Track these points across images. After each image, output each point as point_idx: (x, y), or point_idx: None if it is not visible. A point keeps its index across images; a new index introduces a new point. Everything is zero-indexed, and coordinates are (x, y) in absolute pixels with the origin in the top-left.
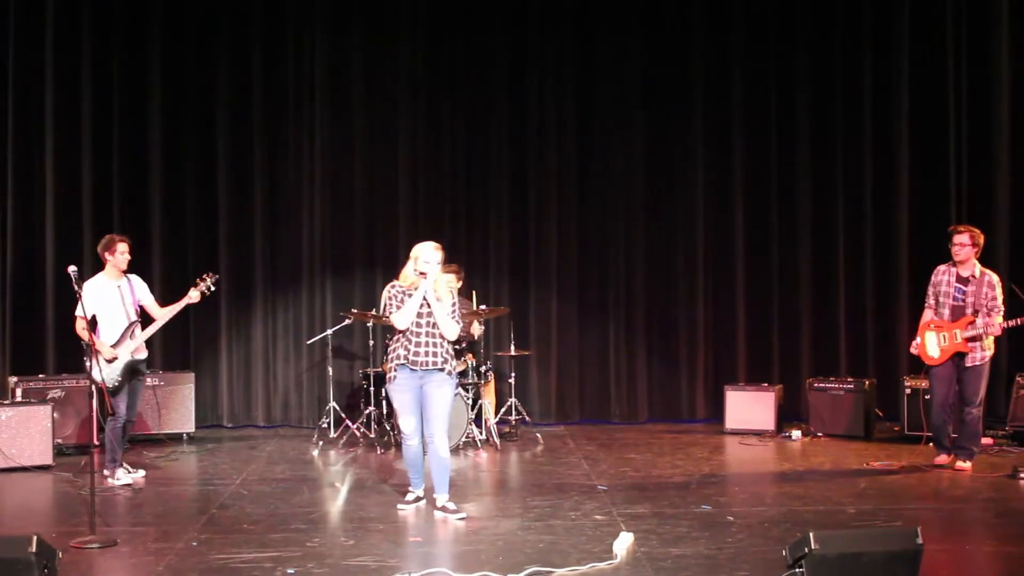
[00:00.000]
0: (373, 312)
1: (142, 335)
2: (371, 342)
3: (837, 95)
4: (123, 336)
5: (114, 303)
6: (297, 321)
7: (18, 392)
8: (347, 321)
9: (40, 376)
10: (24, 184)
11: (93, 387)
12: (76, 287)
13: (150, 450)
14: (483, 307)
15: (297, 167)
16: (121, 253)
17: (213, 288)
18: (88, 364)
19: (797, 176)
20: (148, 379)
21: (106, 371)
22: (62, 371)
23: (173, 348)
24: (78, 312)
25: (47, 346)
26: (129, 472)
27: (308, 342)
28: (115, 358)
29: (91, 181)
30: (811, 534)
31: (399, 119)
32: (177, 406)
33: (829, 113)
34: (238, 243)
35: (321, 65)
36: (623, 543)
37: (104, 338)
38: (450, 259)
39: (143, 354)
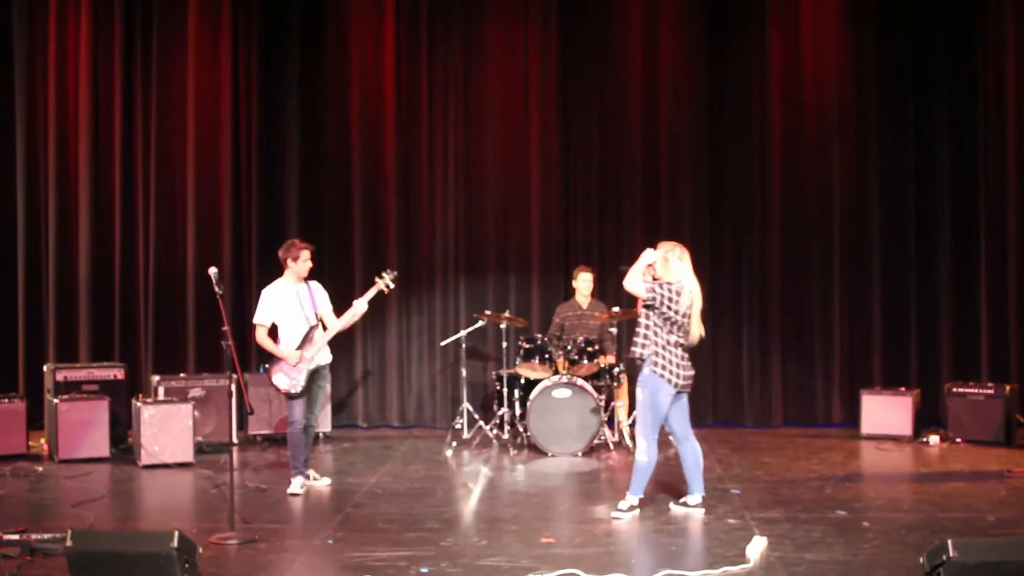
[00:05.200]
0: (507, 314)
1: (322, 339)
2: (504, 344)
3: (977, 95)
4: (304, 341)
5: (293, 308)
6: (431, 322)
7: (160, 391)
8: (481, 323)
9: (181, 375)
10: (165, 185)
11: (233, 386)
12: (217, 288)
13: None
14: (616, 308)
15: (431, 166)
16: (304, 260)
17: (392, 285)
18: (270, 371)
19: (936, 175)
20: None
21: (294, 376)
22: (202, 370)
23: None
24: (256, 320)
25: (188, 345)
26: (310, 480)
27: (442, 343)
28: (301, 360)
29: (229, 182)
30: (950, 541)
31: (532, 119)
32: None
33: (969, 113)
34: (373, 242)
35: (456, 63)
36: (756, 547)
37: (284, 344)
38: (584, 260)
39: (326, 359)
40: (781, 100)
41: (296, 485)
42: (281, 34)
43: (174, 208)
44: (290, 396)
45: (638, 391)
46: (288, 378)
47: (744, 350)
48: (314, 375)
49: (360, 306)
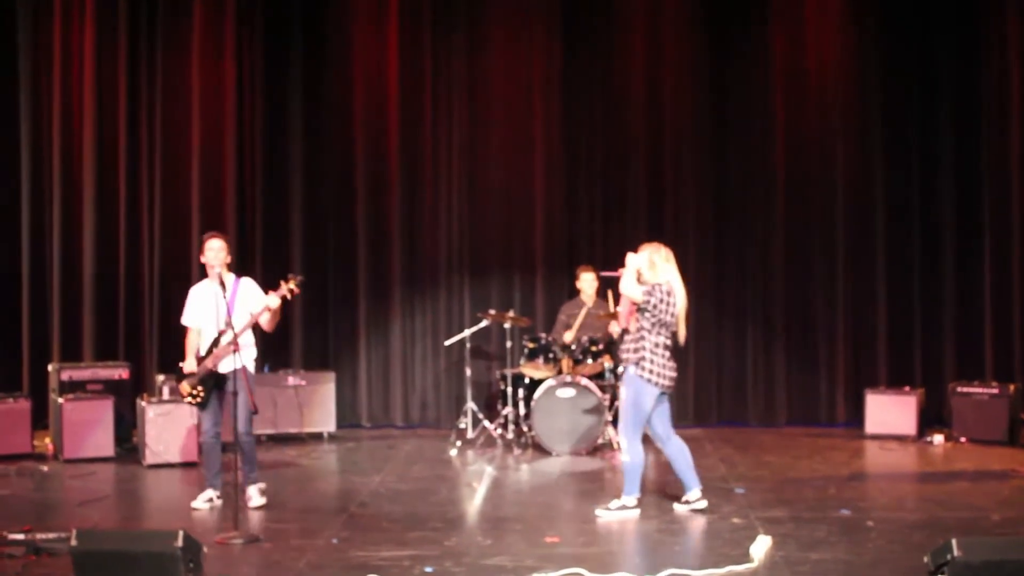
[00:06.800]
0: (511, 313)
1: (223, 345)
2: (508, 343)
3: (981, 94)
4: (211, 347)
5: (209, 309)
6: (435, 322)
7: (165, 390)
8: (485, 322)
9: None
10: (169, 188)
11: (237, 386)
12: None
13: (292, 448)
14: (619, 308)
15: (435, 167)
16: (208, 250)
17: (296, 290)
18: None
19: (940, 174)
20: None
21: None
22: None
23: (314, 348)
24: (183, 320)
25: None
26: (213, 499)
27: (446, 343)
28: (193, 373)
29: (233, 185)
30: (954, 540)
31: (536, 119)
32: (318, 405)
33: (973, 112)
34: (377, 243)
35: (459, 64)
36: (761, 547)
37: (202, 349)
38: (588, 259)
39: (225, 367)
40: (784, 99)
41: (201, 499)
42: (284, 38)
43: (178, 209)
44: (197, 406)
45: (622, 390)
46: (188, 385)
47: (748, 349)
48: (220, 382)
49: (259, 310)
